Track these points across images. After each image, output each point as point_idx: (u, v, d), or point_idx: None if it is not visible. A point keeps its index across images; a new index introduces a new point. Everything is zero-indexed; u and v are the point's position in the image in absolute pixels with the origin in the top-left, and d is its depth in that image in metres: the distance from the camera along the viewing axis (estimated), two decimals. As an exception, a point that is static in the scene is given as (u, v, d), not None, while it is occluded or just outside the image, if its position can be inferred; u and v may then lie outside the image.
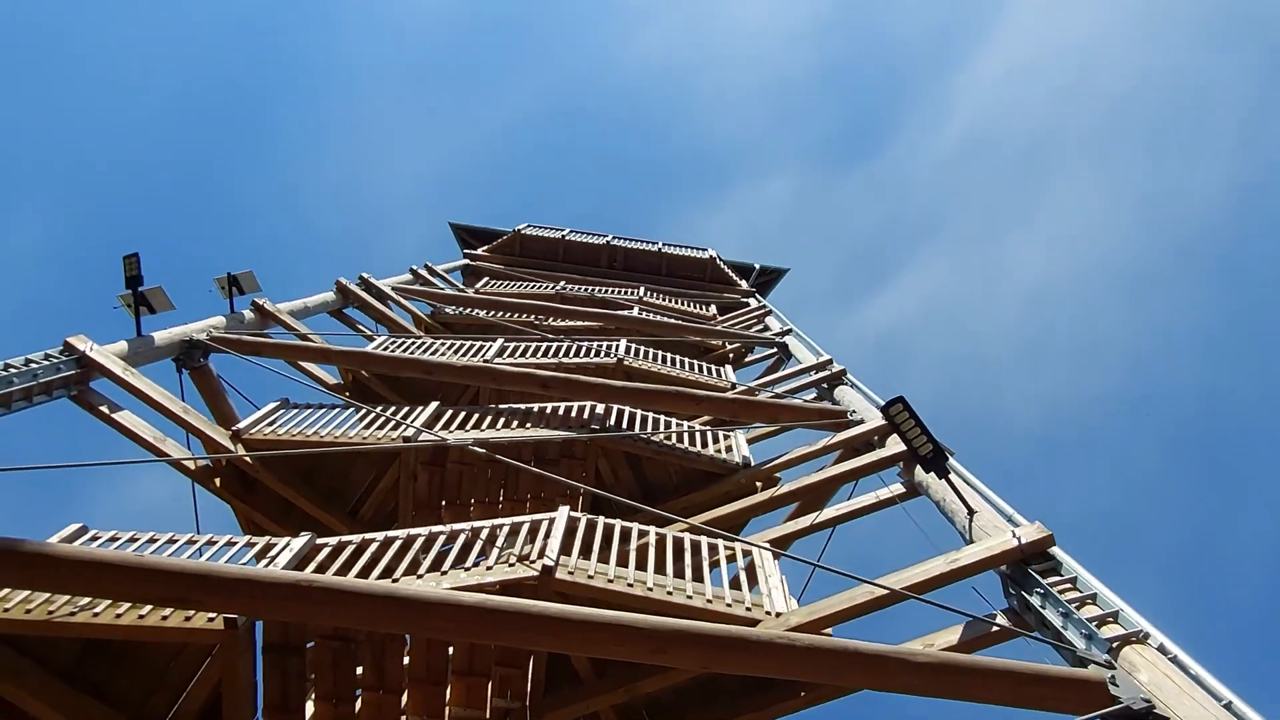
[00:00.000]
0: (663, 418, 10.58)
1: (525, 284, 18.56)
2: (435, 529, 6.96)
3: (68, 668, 5.74)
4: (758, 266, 22.62)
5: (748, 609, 6.50)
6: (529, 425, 9.80)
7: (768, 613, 6.47)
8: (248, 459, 8.71)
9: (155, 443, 8.56)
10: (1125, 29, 44.44)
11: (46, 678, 5.57)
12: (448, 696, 6.42)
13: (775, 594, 6.69)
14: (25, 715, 5.74)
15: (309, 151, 48.13)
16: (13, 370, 7.80)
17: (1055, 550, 6.12)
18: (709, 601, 6.50)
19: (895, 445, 8.79)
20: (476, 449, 8.61)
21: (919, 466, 8.21)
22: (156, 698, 5.85)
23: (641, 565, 6.91)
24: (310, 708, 6.08)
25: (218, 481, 8.96)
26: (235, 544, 6.43)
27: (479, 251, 20.95)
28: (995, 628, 5.96)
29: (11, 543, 4.60)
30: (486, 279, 18.89)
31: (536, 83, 52.45)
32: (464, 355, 11.44)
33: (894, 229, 50.45)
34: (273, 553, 6.30)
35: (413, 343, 11.41)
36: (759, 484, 9.93)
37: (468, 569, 6.44)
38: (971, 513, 6.99)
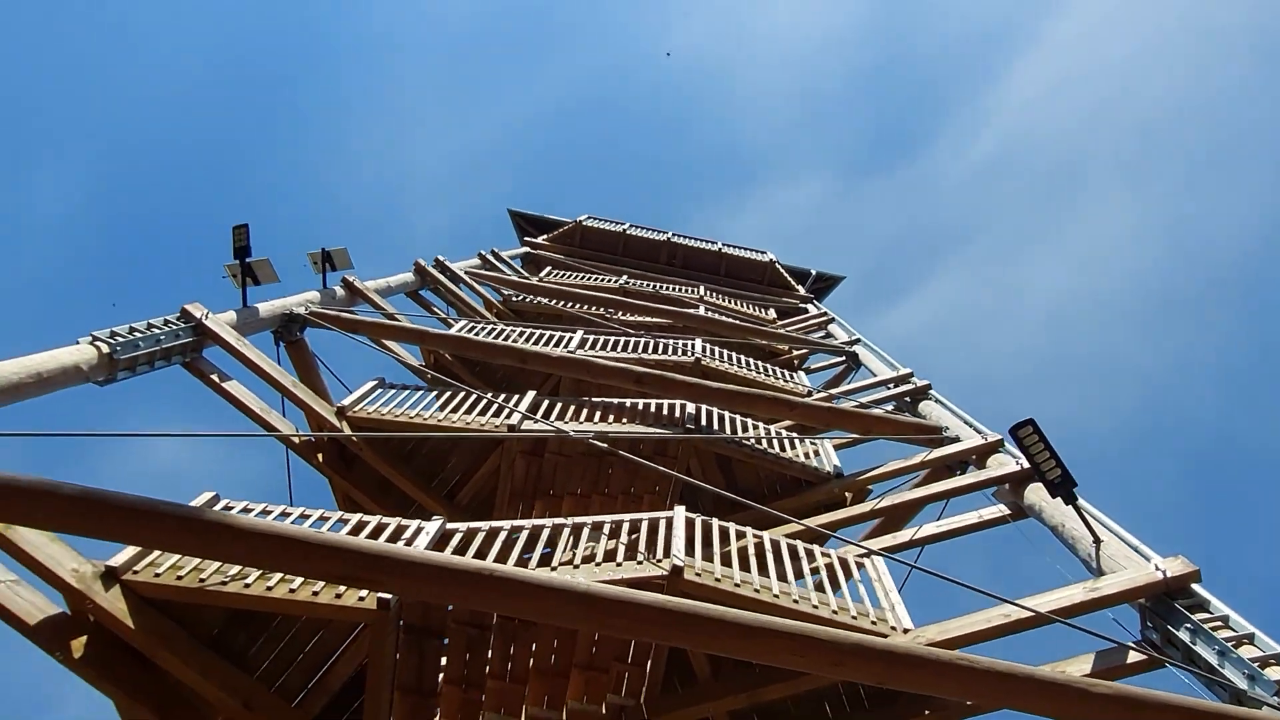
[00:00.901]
0: (748, 421, 10.56)
1: (587, 275, 18.54)
2: (559, 521, 6.97)
3: (211, 636, 5.77)
4: (814, 272, 22.52)
5: (873, 622, 6.48)
6: (624, 420, 9.80)
7: (893, 628, 6.45)
8: (353, 437, 8.73)
9: (262, 414, 8.59)
10: (1171, 49, 43.90)
11: (194, 645, 5.60)
12: (568, 689, 6.42)
13: (899, 608, 6.66)
14: (168, 680, 5.78)
15: (334, 129, 48.24)
16: (137, 334, 7.85)
17: (1197, 587, 6.06)
18: (835, 612, 6.48)
19: (1001, 466, 8.73)
20: (578, 440, 8.63)
21: (1027, 489, 8.21)
22: (295, 672, 5.88)
23: (744, 567, 6.90)
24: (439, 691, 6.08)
25: (320, 457, 8.99)
26: (366, 522, 6.44)
27: (540, 240, 20.93)
28: (1132, 659, 5.92)
29: (194, 511, 4.62)
30: (549, 268, 18.87)
31: (568, 72, 52.42)
32: (551, 345, 11.43)
33: (916, 240, 50.16)
34: (406, 534, 6.32)
35: (503, 330, 11.40)
36: (848, 494, 9.91)
37: (599, 564, 6.44)
38: (1098, 541, 6.92)
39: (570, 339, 11.98)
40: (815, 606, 6.47)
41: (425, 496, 9.05)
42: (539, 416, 9.16)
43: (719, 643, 4.86)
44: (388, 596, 5.47)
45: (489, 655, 6.09)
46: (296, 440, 8.80)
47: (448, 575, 4.67)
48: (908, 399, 11.78)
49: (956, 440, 9.68)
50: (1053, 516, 7.62)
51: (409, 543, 6.18)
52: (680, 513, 7.29)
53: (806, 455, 10.22)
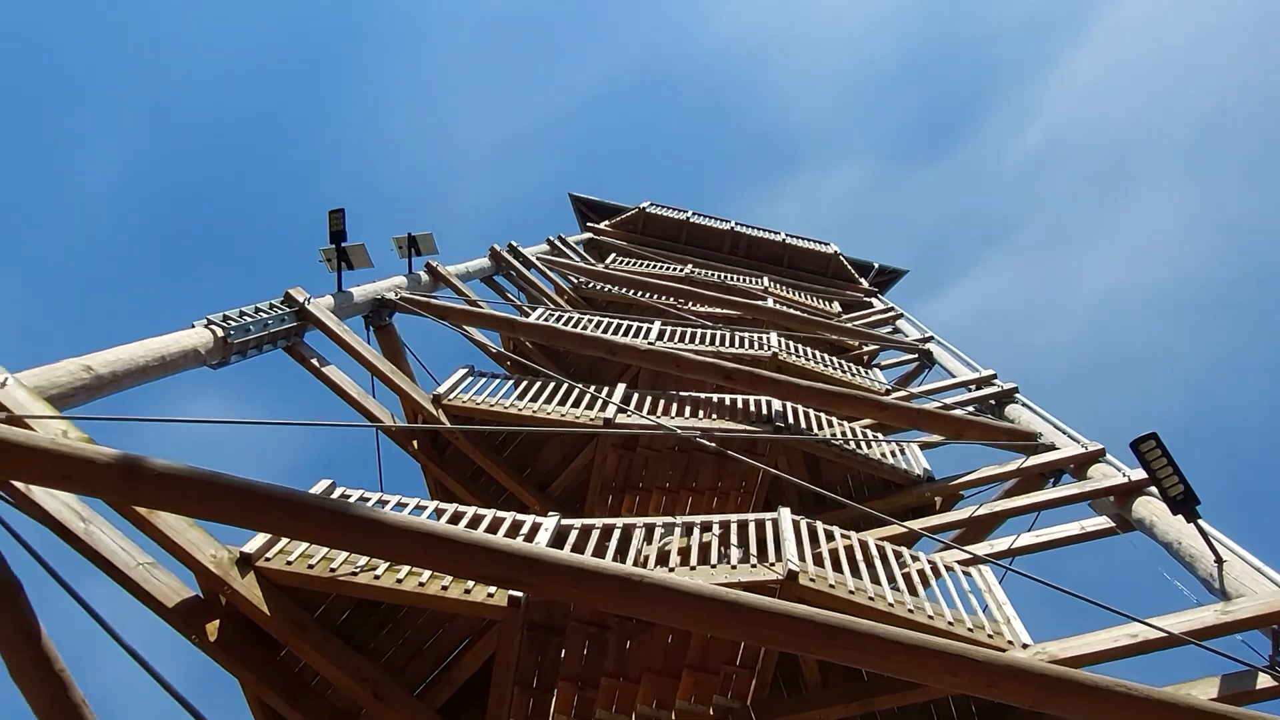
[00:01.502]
0: (832, 419, 10.46)
1: (652, 264, 18.45)
2: (670, 519, 6.94)
3: (336, 625, 5.84)
4: (877, 265, 22.23)
5: (990, 635, 6.38)
6: (712, 416, 9.74)
7: (1010, 641, 6.35)
8: (448, 426, 8.77)
9: (360, 400, 8.66)
10: (1232, 36, 42.43)
11: (326, 633, 5.67)
12: (678, 690, 6.42)
13: (1016, 622, 6.55)
14: (294, 666, 5.86)
15: (376, 109, 48.31)
16: (247, 318, 7.93)
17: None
18: (950, 624, 6.40)
19: (1105, 477, 8.55)
20: (669, 434, 8.59)
21: (1135, 502, 8.03)
22: (417, 663, 5.93)
23: (840, 569, 6.81)
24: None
25: (415, 444, 9.05)
26: (482, 516, 6.46)
27: (602, 226, 20.86)
28: (1263, 683, 5.77)
29: (345, 506, 4.65)
30: (614, 255, 18.81)
31: (611, 51, 51.96)
32: (631, 336, 11.38)
33: (962, 230, 49.19)
34: (524, 529, 6.33)
35: (587, 319, 11.37)
36: (937, 499, 9.78)
37: (713, 565, 6.41)
38: (1220, 561, 6.75)
39: (649, 329, 11.93)
40: (930, 617, 6.39)
41: (518, 487, 9.08)
42: (631, 410, 9.12)
43: (862, 657, 4.78)
44: (519, 595, 5.49)
45: (606, 654, 6.10)
46: (394, 429, 8.84)
47: (592, 579, 4.65)
48: (992, 402, 11.58)
49: (1052, 448, 9.49)
50: (1166, 533, 7.45)
51: (529, 538, 6.19)
52: (786, 515, 7.23)
53: (892, 454, 10.12)
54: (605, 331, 10.87)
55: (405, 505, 6.30)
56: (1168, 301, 40.59)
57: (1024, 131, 48.61)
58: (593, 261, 18.31)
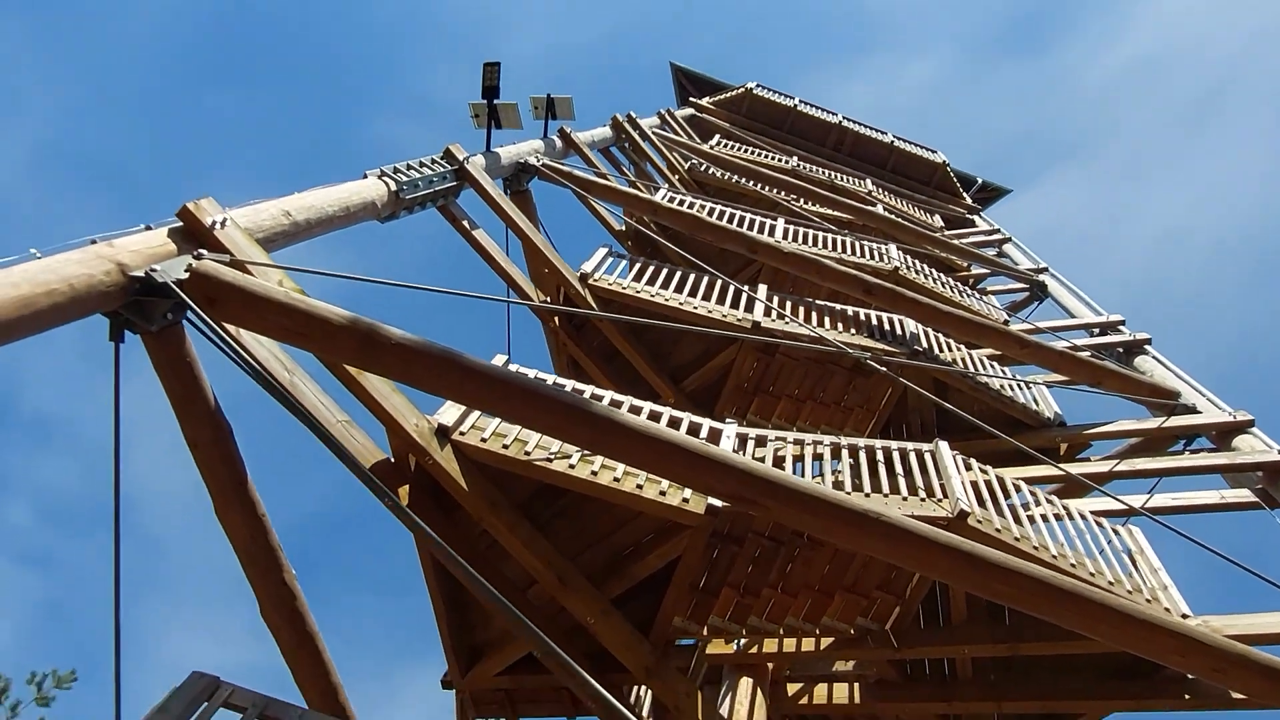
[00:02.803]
0: (960, 347, 10.25)
1: (756, 151, 17.77)
2: (837, 440, 6.85)
3: (518, 505, 5.87)
4: (980, 180, 21.36)
5: (1148, 600, 6.37)
6: (851, 331, 9.53)
7: (1167, 609, 6.34)
8: (602, 313, 8.61)
9: (506, 268, 8.49)
10: None
11: (517, 513, 5.71)
12: (828, 607, 6.51)
13: (1173, 590, 6.53)
14: (473, 539, 5.95)
15: None
16: (415, 174, 7.66)
17: None
18: (1111, 584, 6.38)
19: (1253, 451, 8.37)
20: (811, 342, 8.42)
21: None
22: (591, 552, 5.99)
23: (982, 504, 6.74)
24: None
25: (556, 320, 8.93)
26: (679, 418, 6.37)
27: (705, 103, 20.01)
28: None
29: (584, 403, 4.56)
30: (718, 137, 18.11)
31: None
32: (756, 231, 11.01)
33: (1032, 142, 46.82)
34: (703, 431, 6.26)
35: (721, 210, 10.98)
36: (1063, 445, 9.66)
37: (885, 495, 6.36)
38: (1388, 558, 6.64)
39: (773, 226, 11.54)
40: (1092, 574, 6.37)
41: (654, 376, 9.01)
42: (774, 314, 8.92)
43: (1035, 603, 4.70)
44: (717, 504, 5.47)
45: (773, 567, 6.15)
46: (549, 308, 8.67)
47: (816, 504, 4.60)
48: (1120, 350, 11.27)
49: (1192, 410, 9.27)
50: (1324, 518, 7.33)
51: (712, 440, 6.13)
52: (945, 448, 7.11)
53: (1009, 388, 9.92)
54: (743, 226, 10.50)
55: (601, 398, 6.21)
56: (1232, 250, 39.03)
57: (1117, 44, 45.51)
58: (696, 140, 17.66)
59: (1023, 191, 44.88)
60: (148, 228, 5.09)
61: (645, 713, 7.20)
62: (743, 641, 6.84)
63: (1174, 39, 44.47)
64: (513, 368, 6.46)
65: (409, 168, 7.71)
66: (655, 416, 5.99)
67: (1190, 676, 6.29)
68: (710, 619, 6.26)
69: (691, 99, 20.38)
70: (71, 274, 4.29)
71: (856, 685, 7.14)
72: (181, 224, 5.17)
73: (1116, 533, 7.22)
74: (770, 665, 7.05)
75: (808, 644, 6.80)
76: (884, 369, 8.10)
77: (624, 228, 11.83)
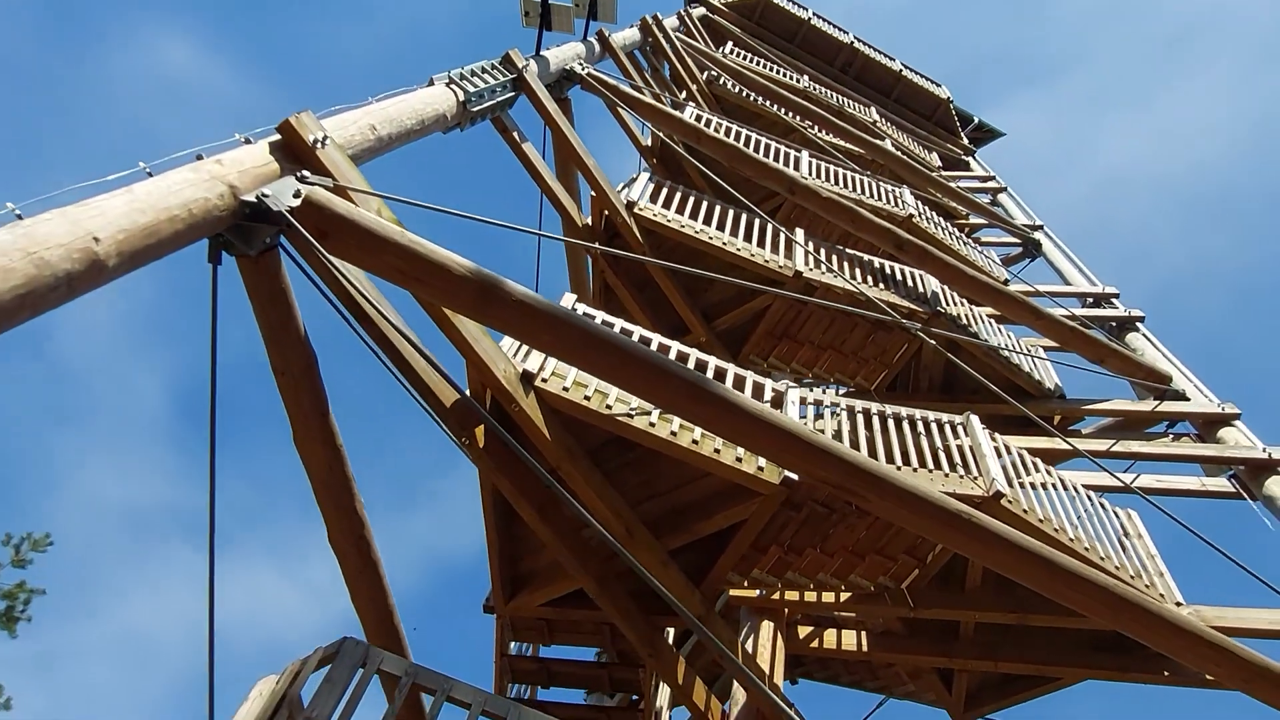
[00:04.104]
0: (974, 309, 10.48)
1: (768, 65, 17.27)
2: (881, 408, 7.03)
3: (589, 450, 5.92)
4: (977, 120, 21.30)
5: (1145, 586, 6.89)
6: (880, 285, 9.62)
7: (1161, 596, 6.87)
8: (639, 239, 8.47)
9: (555, 188, 8.24)
10: None
11: (590, 464, 5.75)
12: (857, 567, 6.85)
13: (1168, 577, 7.05)
14: (540, 486, 5.99)
15: None
16: (479, 82, 7.25)
17: None
18: (1116, 568, 6.85)
19: (1239, 446, 8.91)
20: (839, 291, 8.52)
21: (1269, 479, 8.47)
22: (655, 503, 6.11)
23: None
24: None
25: (597, 244, 8.75)
26: (743, 377, 6.43)
27: (718, 4, 19.18)
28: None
29: (705, 381, 4.60)
30: (731, 44, 17.47)
31: None
32: (782, 162, 10.84)
33: (1001, 62, 46.49)
34: (766, 394, 6.36)
35: (754, 139, 10.72)
36: (1058, 416, 10.11)
37: (930, 470, 6.61)
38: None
39: (798, 159, 11.39)
40: (1101, 559, 6.82)
41: (689, 313, 9.00)
42: (811, 260, 8.93)
43: (1052, 585, 5.02)
44: (794, 477, 5.62)
45: (818, 530, 6.41)
46: (599, 250, 8.42)
47: (907, 497, 4.80)
48: (1113, 324, 11.68)
49: (1182, 396, 9.77)
50: (1300, 517, 7.94)
51: (775, 404, 6.25)
52: (976, 422, 7.37)
53: (1017, 356, 10.27)
54: (778, 160, 10.31)
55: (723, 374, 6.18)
56: (1173, 193, 40.03)
57: None
58: (709, 43, 17.03)
59: (986, 112, 44.89)
60: (247, 141, 4.77)
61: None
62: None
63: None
64: (617, 327, 6.35)
65: (473, 74, 7.29)
66: (739, 383, 6.05)
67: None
68: (753, 572, 6.54)
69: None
70: (190, 198, 4.05)
71: (863, 634, 7.60)
72: (281, 138, 4.86)
73: (1116, 514, 7.71)
74: (786, 610, 7.44)
75: (828, 596, 7.19)
76: (916, 331, 8.31)
77: (649, 143, 11.50)
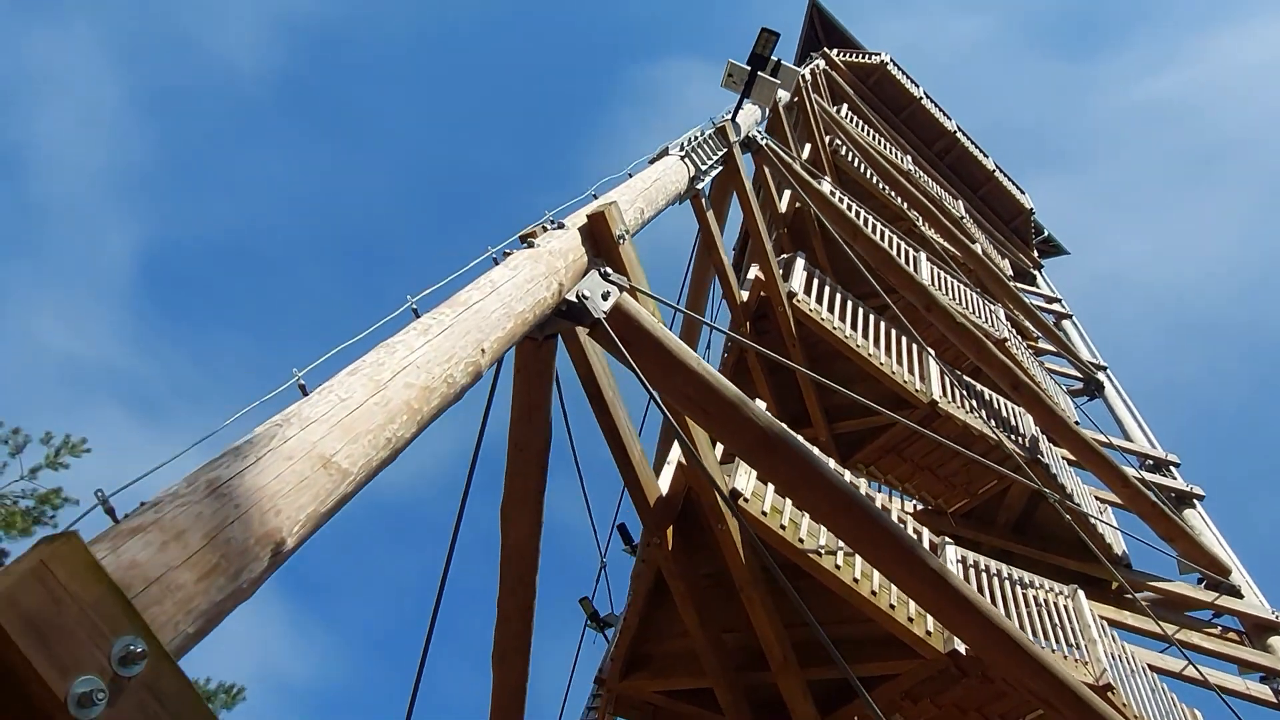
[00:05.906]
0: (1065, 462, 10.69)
1: (877, 137, 17.32)
2: (1012, 573, 7.17)
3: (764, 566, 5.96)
4: (1046, 233, 21.61)
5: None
6: (991, 421, 9.76)
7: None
8: (791, 327, 8.50)
9: (725, 260, 8.22)
10: None
11: (767, 590, 5.79)
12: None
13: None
14: (710, 595, 6.03)
15: None
16: (706, 158, 7.20)
17: None
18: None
19: (1290, 659, 9.24)
20: (957, 423, 8.65)
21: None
22: (807, 629, 6.17)
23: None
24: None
25: (748, 326, 8.76)
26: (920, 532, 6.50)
27: (838, 59, 19.16)
28: None
29: (921, 551, 4.72)
30: (846, 109, 17.49)
31: None
32: (935, 287, 10.92)
33: (1034, 137, 47.15)
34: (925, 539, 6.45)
35: (913, 253, 10.77)
36: (1114, 583, 10.36)
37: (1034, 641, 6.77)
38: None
39: (915, 257, 11.48)
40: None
41: (815, 409, 9.05)
42: (945, 394, 9.03)
43: None
44: (961, 649, 5.72)
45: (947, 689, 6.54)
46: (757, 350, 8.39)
47: (1043, 673, 5.01)
48: (1172, 496, 11.96)
49: (1236, 593, 10.08)
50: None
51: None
52: (1085, 602, 7.56)
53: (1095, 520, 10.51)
54: (903, 259, 10.35)
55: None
56: (1169, 309, 41.21)
57: (1153, 76, 45.82)
58: (827, 107, 17.02)
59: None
60: (560, 225, 4.72)
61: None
62: None
63: (1204, 89, 45.12)
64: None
65: (697, 147, 7.24)
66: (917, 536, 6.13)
67: None
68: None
69: (824, 49, 19.48)
70: (537, 298, 4.03)
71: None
72: (587, 223, 4.82)
73: (1184, 714, 7.97)
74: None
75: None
76: (1026, 479, 8.46)
77: (784, 209, 11.51)
